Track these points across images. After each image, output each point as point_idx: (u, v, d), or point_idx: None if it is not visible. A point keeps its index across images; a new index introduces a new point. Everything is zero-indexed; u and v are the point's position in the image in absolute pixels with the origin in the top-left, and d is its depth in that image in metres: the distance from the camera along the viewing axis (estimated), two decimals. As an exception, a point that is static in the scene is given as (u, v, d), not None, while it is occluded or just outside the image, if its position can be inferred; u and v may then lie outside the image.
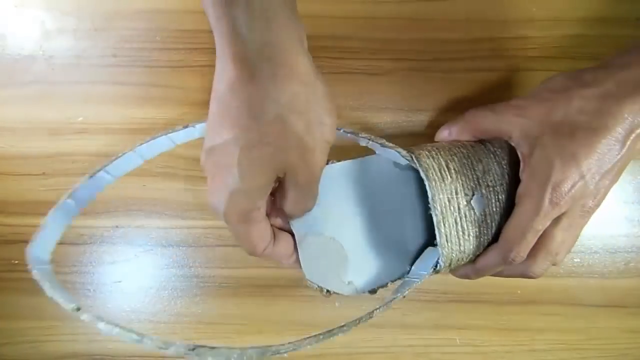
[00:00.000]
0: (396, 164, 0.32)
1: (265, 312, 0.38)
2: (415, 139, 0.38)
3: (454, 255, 0.30)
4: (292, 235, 0.31)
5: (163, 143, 0.31)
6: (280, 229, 0.32)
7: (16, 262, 0.38)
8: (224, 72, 0.25)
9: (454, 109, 0.38)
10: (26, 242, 0.38)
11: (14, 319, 0.38)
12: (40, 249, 0.28)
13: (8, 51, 0.39)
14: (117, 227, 0.38)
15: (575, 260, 0.38)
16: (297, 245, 0.32)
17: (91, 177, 0.29)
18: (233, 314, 0.38)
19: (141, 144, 0.30)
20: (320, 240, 0.32)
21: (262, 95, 0.24)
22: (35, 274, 0.27)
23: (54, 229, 0.29)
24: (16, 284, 0.38)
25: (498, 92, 0.38)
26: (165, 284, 0.38)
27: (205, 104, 0.38)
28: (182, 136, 0.32)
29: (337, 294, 0.31)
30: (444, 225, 0.29)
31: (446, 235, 0.30)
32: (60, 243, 0.38)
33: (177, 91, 0.38)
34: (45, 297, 0.38)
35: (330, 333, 0.26)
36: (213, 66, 0.38)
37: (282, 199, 0.28)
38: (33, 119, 0.38)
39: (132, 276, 0.38)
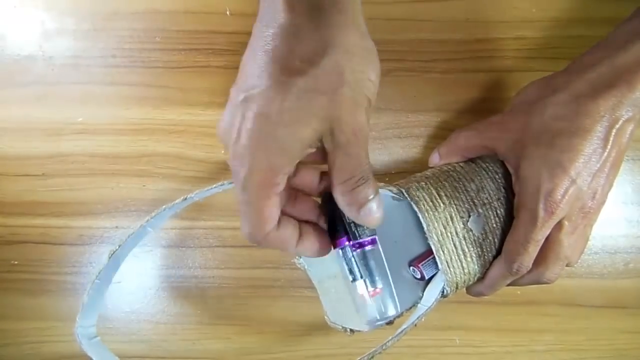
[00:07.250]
0: (394, 197, 0.32)
1: (265, 313, 0.38)
2: (415, 140, 0.38)
3: (458, 278, 0.30)
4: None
5: (166, 214, 0.33)
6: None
7: (15, 262, 0.38)
8: (274, 15, 0.23)
9: (454, 110, 0.38)
10: (26, 242, 0.38)
11: (13, 320, 0.38)
12: (84, 325, 0.33)
13: (8, 52, 0.38)
14: (117, 227, 0.38)
15: (575, 260, 0.38)
16: (318, 291, 0.32)
17: (110, 257, 0.33)
18: (233, 314, 0.38)
19: (147, 220, 0.32)
20: (336, 282, 0.32)
21: (324, 40, 0.23)
22: (86, 348, 0.32)
23: (92, 306, 0.33)
24: (15, 285, 0.38)
25: (497, 93, 0.38)
26: (165, 284, 0.38)
27: (205, 104, 0.39)
28: (181, 205, 0.33)
29: (359, 331, 0.31)
30: (443, 252, 0.30)
31: (447, 262, 0.30)
32: (60, 243, 0.38)
33: (177, 92, 0.38)
34: (45, 297, 0.38)
35: None
36: (212, 67, 0.39)
37: (329, 170, 0.25)
38: (32, 120, 0.38)
39: (132, 277, 0.38)
